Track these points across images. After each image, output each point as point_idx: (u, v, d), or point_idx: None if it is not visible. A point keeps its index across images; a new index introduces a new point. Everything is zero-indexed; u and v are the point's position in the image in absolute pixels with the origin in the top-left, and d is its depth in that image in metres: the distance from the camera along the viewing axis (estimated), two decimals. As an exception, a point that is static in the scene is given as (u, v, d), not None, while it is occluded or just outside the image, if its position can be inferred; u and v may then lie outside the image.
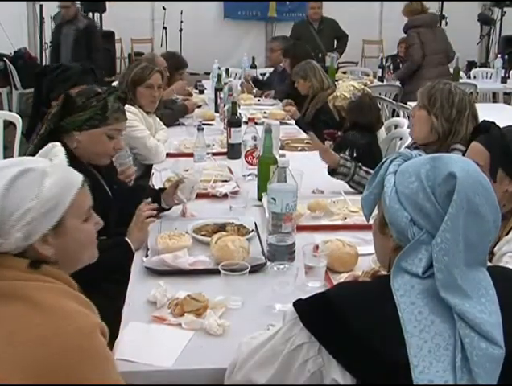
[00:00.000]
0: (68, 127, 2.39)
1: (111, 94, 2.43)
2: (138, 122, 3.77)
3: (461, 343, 1.23)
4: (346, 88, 4.58)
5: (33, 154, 2.34)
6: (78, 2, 8.87)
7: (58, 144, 1.56)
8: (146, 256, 2.24)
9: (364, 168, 3.07)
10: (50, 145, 1.56)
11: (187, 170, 3.04)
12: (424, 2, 7.04)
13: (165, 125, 4.36)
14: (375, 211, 1.48)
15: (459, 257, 1.27)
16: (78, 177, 1.50)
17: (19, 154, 2.46)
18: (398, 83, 7.33)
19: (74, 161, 2.38)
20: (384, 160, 1.44)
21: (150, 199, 2.52)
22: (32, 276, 1.36)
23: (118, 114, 2.47)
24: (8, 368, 1.23)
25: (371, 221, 1.50)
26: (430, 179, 1.31)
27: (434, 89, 2.74)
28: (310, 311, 1.34)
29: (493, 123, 1.97)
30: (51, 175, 1.42)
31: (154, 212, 2.49)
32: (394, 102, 6.40)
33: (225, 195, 2.94)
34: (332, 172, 3.05)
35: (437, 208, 1.29)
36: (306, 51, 6.13)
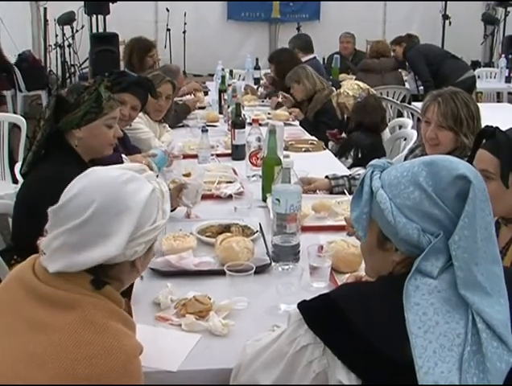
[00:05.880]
0: (65, 127, 2.38)
1: (100, 84, 2.42)
2: (142, 125, 3.78)
3: (476, 338, 1.23)
4: (350, 86, 4.60)
5: (32, 162, 2.36)
6: (82, 4, 8.92)
7: (146, 167, 1.58)
8: (151, 257, 2.25)
9: (358, 176, 3.07)
10: (138, 165, 1.57)
11: (186, 175, 3.04)
12: (390, 46, 7.50)
13: (169, 126, 4.37)
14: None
15: (478, 254, 1.28)
16: None
17: (24, 157, 2.44)
18: (407, 85, 7.42)
19: (79, 162, 2.40)
20: (362, 177, 1.43)
21: None
22: (90, 292, 1.38)
23: (111, 102, 2.45)
24: (49, 376, 1.26)
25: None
26: (431, 185, 1.31)
27: (456, 108, 2.67)
28: (314, 312, 1.34)
29: (497, 128, 1.94)
30: (167, 201, 1.50)
31: None
32: (398, 102, 6.40)
33: (230, 196, 2.94)
34: (331, 193, 3.05)
35: (447, 211, 1.30)
36: (291, 56, 6.14)
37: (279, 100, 5.47)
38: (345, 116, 4.69)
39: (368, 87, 4.63)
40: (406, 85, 7.36)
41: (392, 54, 7.48)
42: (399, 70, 7.44)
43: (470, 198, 1.27)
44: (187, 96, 5.65)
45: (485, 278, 1.28)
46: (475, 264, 1.27)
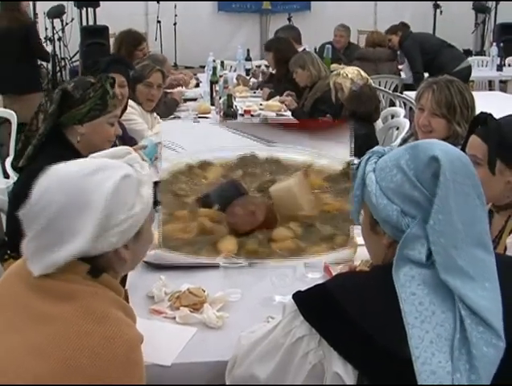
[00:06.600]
0: (67, 122, 2.37)
1: (106, 81, 2.42)
2: (136, 116, 3.79)
3: (462, 324, 1.23)
4: (351, 70, 4.59)
5: (32, 155, 2.34)
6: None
7: (131, 149, 1.56)
8: (145, 250, 2.23)
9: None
10: (124, 148, 1.55)
11: None
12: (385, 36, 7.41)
13: (160, 118, 4.36)
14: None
15: (458, 238, 1.27)
16: None
17: (17, 150, 2.42)
18: (402, 74, 7.45)
19: (76, 158, 2.38)
20: (359, 161, 1.43)
21: None
22: (88, 282, 1.37)
23: (115, 100, 2.47)
24: (51, 367, 1.25)
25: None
26: (411, 168, 1.31)
27: (450, 96, 2.67)
28: (309, 303, 1.34)
29: (490, 114, 1.94)
30: (145, 184, 1.46)
31: None
32: (390, 92, 6.39)
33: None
34: None
35: (425, 194, 1.29)
36: (288, 44, 6.12)
37: (285, 103, 5.28)
38: (339, 99, 4.63)
39: (367, 77, 4.61)
40: (402, 75, 7.34)
41: (388, 43, 7.46)
42: (395, 61, 7.42)
43: (441, 181, 1.26)
44: (179, 88, 5.64)
45: (466, 262, 1.26)
46: (454, 248, 1.26)
